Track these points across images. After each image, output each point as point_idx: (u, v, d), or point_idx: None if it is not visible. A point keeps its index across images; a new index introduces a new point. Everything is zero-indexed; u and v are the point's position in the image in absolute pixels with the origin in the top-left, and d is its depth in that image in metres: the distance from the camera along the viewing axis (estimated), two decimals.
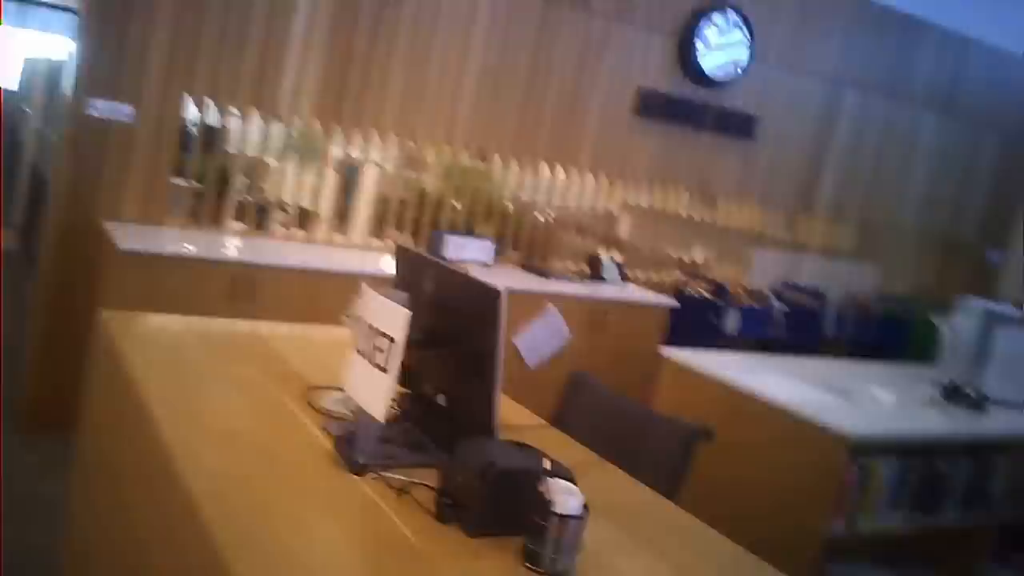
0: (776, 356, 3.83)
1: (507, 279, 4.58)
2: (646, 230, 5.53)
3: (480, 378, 1.78)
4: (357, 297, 2.25)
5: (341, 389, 2.14)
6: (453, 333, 1.89)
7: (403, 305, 1.82)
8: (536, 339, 4.66)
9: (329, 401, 2.14)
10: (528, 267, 4.99)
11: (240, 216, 4.43)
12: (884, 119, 6.13)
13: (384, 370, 1.78)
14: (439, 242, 4.60)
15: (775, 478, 2.94)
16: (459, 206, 4.94)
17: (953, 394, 3.48)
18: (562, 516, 1.46)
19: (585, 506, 1.49)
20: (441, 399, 1.91)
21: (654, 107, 5.23)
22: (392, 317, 1.79)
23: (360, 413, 1.86)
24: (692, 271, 5.61)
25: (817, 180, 5.98)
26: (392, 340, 1.77)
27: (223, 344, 2.55)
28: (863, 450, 2.88)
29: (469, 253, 4.68)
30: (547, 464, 1.54)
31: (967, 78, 6.38)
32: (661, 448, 2.07)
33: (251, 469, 1.72)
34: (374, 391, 1.79)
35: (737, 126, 5.54)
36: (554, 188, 5.17)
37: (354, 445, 1.83)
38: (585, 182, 5.20)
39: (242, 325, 2.75)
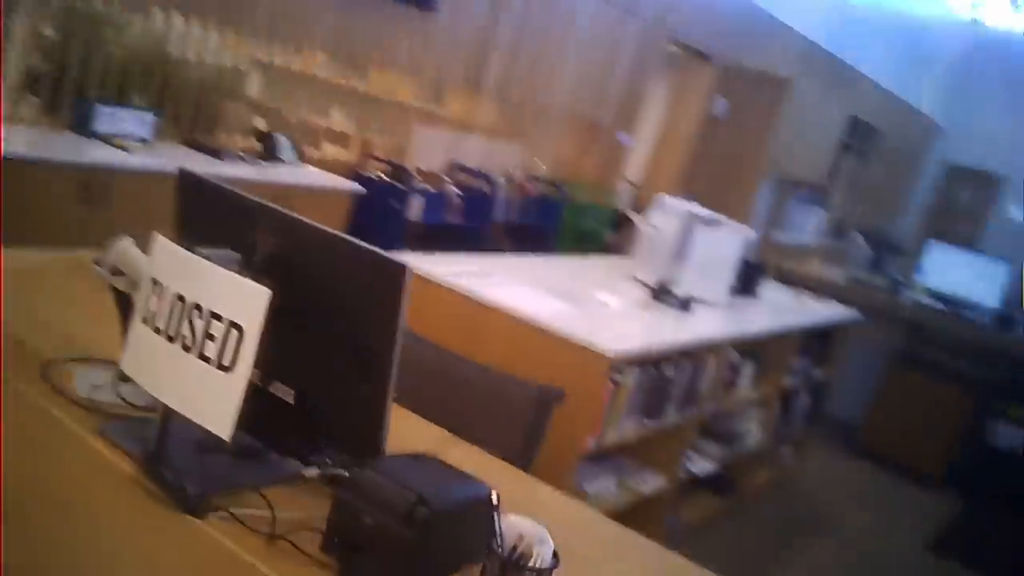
0: (495, 256, 3.68)
1: (173, 160, 3.88)
2: (308, 100, 4.97)
3: (360, 374, 1.37)
4: (121, 245, 1.66)
5: (101, 361, 1.60)
6: (315, 309, 1.43)
7: (237, 271, 1.34)
8: None
9: (87, 385, 1.57)
10: (193, 144, 4.26)
11: None
12: None
13: (226, 368, 1.29)
14: (86, 113, 3.73)
15: None
16: (101, 64, 4.03)
17: (662, 295, 3.60)
18: (538, 571, 1.16)
19: (555, 552, 1.20)
20: (282, 391, 1.46)
21: None
22: (237, 296, 1.30)
23: (168, 415, 1.36)
24: (369, 151, 5.21)
25: (487, 57, 5.79)
26: (239, 329, 1.29)
27: None
28: (616, 364, 2.85)
29: (124, 126, 3.87)
30: (495, 495, 1.21)
31: None
32: (511, 415, 1.80)
33: (40, 522, 1.17)
34: (208, 396, 1.31)
35: None
36: (221, 51, 4.42)
37: (173, 467, 1.34)
38: (258, 44, 4.51)
39: None
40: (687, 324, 3.43)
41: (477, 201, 5.37)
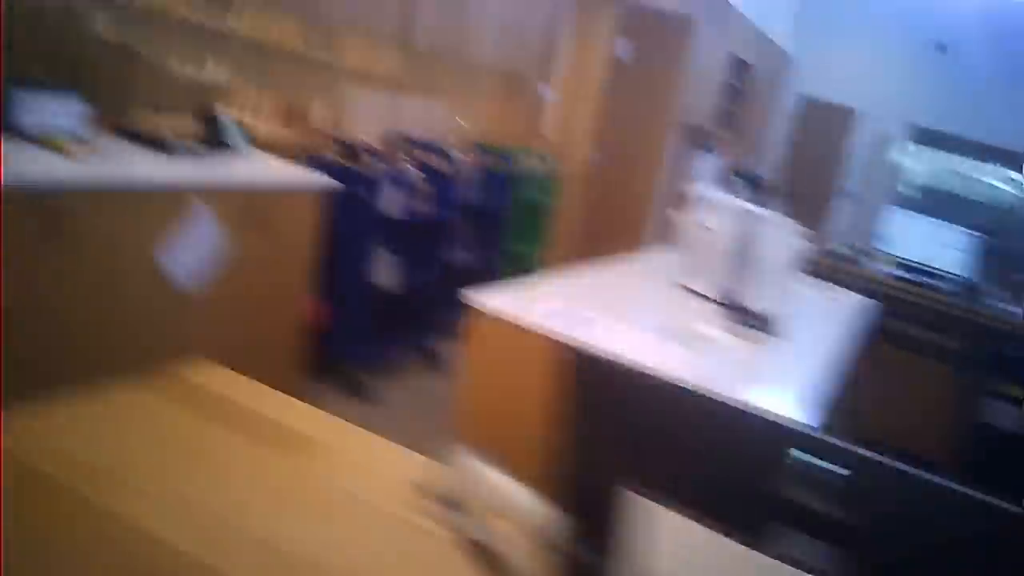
0: (542, 278, 3.08)
1: (126, 164, 3.00)
2: (174, 48, 4.04)
3: None
4: (464, 465, 1.00)
5: None
6: None
7: None
8: (185, 250, 3.22)
9: None
10: (130, 134, 3.33)
11: None
12: None
13: None
14: (10, 106, 2.79)
15: None
16: None
17: (738, 312, 3.13)
18: None
19: None
20: None
21: None
22: None
23: None
24: (315, 129, 4.36)
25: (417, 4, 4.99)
26: None
27: None
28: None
29: (50, 117, 2.93)
30: None
31: None
32: None
33: None
34: None
35: None
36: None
37: None
38: None
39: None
40: (789, 356, 2.98)
41: (436, 181, 4.64)
